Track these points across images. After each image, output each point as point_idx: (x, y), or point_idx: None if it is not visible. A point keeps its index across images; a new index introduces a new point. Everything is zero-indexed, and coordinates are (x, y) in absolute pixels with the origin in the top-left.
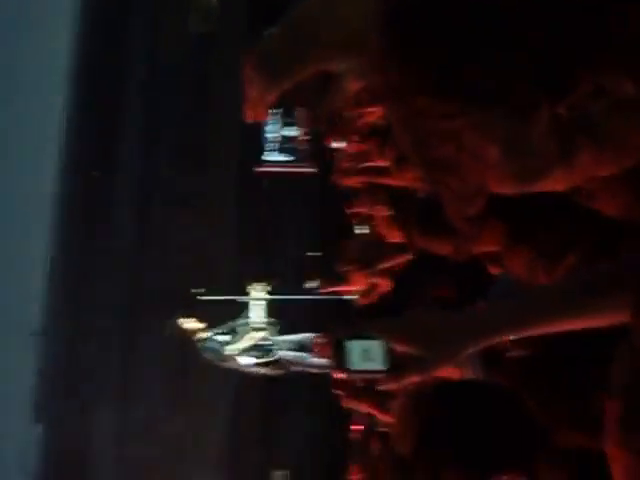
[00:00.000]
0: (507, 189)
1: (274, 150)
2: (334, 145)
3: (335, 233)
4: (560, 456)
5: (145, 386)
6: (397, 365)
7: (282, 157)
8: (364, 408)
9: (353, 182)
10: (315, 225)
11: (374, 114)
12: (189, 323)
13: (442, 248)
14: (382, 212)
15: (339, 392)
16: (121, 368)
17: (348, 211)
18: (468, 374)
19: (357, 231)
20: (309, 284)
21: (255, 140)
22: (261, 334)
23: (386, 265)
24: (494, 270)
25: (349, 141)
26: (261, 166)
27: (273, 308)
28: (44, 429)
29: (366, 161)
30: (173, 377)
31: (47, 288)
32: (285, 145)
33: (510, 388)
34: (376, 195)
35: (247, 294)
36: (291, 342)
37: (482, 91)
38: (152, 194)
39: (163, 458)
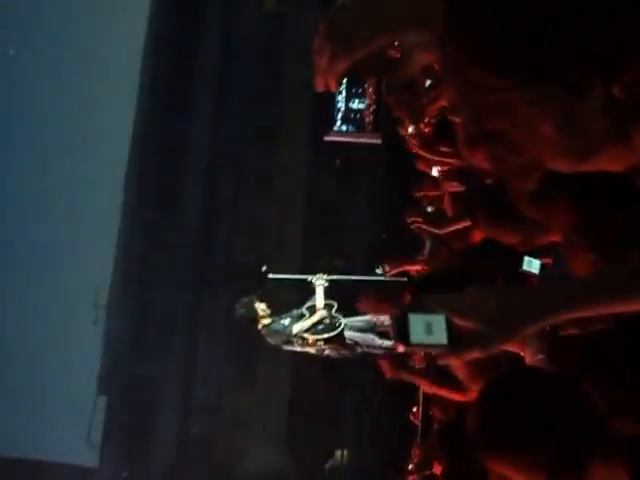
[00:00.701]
0: (561, 165)
1: (343, 120)
2: (408, 129)
3: (403, 214)
4: (619, 447)
5: (209, 362)
6: (458, 340)
7: (350, 127)
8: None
9: (425, 164)
10: (383, 205)
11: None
12: (260, 306)
13: (508, 237)
14: (451, 188)
15: (384, 366)
16: (188, 344)
17: (419, 192)
18: (532, 354)
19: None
20: (380, 269)
21: (327, 113)
22: (324, 312)
23: (452, 229)
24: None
25: (421, 121)
26: (329, 134)
27: (337, 290)
28: (108, 401)
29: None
30: (237, 355)
31: (114, 262)
32: (353, 116)
33: (572, 374)
34: (447, 175)
35: (313, 274)
36: (357, 322)
37: (536, 67)
38: (221, 169)
39: (225, 435)
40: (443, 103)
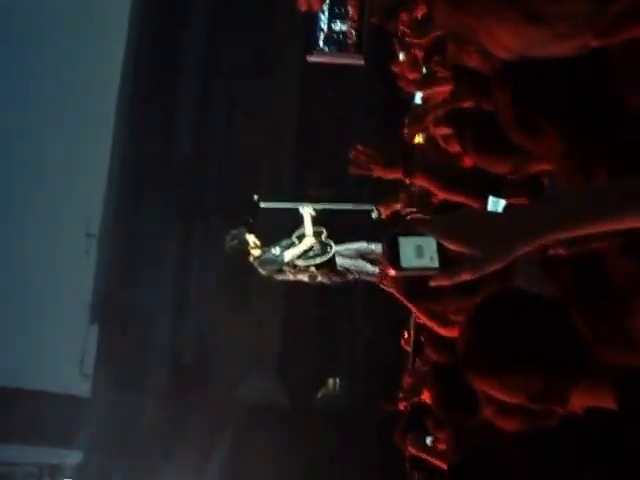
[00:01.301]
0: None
1: (326, 41)
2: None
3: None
4: (604, 374)
5: (201, 291)
6: (450, 263)
7: (333, 48)
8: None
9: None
10: (376, 135)
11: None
12: (250, 238)
13: (498, 166)
14: (442, 131)
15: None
16: (179, 273)
17: (407, 128)
18: (523, 278)
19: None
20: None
21: (311, 36)
22: (314, 239)
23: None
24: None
25: (407, 49)
26: (312, 55)
27: (326, 219)
28: (100, 330)
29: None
30: (229, 284)
31: (105, 191)
32: (336, 37)
33: (560, 299)
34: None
35: (307, 201)
36: (348, 250)
37: None
38: (212, 100)
39: (218, 364)
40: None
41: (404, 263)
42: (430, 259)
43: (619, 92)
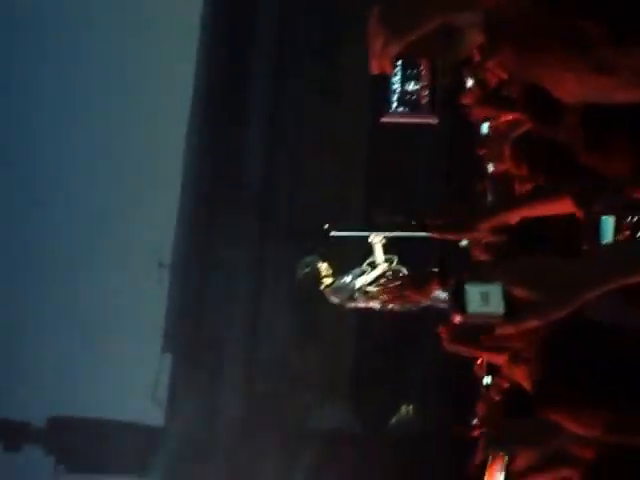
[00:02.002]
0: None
1: (399, 102)
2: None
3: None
4: None
5: (273, 318)
6: (515, 310)
7: (406, 109)
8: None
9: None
10: (444, 169)
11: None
12: (322, 266)
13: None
14: (509, 150)
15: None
16: (251, 303)
17: (480, 151)
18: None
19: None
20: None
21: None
22: (386, 265)
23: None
24: None
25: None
26: (385, 116)
27: (398, 246)
28: (173, 359)
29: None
30: (301, 311)
31: (177, 220)
32: (408, 97)
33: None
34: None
35: (377, 228)
36: None
37: None
38: (283, 130)
39: (290, 391)
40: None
41: (470, 309)
42: (496, 305)
43: None
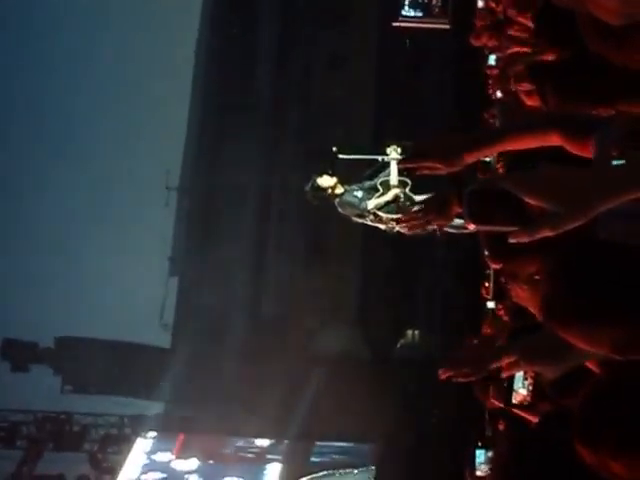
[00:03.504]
0: None
1: (411, 6)
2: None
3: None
4: None
5: (280, 241)
6: (529, 220)
7: (418, 12)
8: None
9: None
10: (454, 90)
11: None
12: (324, 180)
13: (581, 109)
14: (524, 87)
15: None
16: (259, 224)
17: (490, 85)
18: (606, 231)
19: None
20: None
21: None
22: (398, 190)
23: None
24: None
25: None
26: (398, 20)
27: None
28: (180, 282)
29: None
30: (308, 234)
31: (185, 143)
32: (421, 1)
33: None
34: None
35: (386, 154)
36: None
37: None
38: (291, 51)
39: (297, 314)
40: None
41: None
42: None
43: None
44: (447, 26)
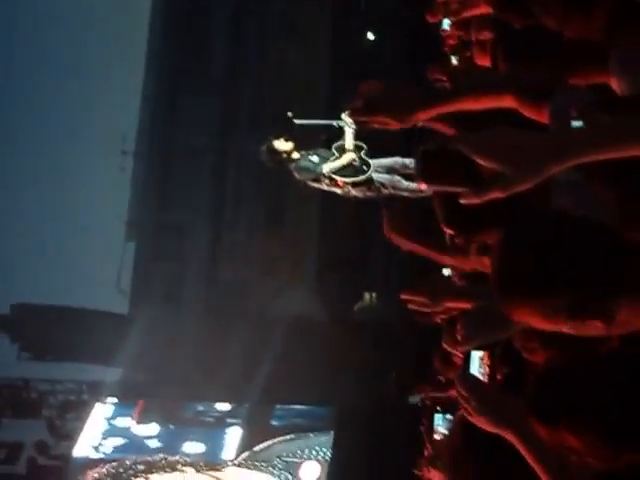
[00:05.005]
0: None
1: None
2: None
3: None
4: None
5: (237, 206)
6: (481, 180)
7: None
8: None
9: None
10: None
11: None
12: (280, 143)
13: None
14: (483, 36)
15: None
16: (215, 190)
17: (444, 37)
18: (554, 197)
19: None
20: None
21: None
22: (353, 155)
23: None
24: None
25: None
26: None
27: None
28: (137, 247)
29: None
30: (265, 199)
31: (140, 108)
32: None
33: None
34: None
35: (340, 119)
36: (382, 165)
37: None
38: (245, 16)
39: (255, 278)
40: None
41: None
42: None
43: None
44: None
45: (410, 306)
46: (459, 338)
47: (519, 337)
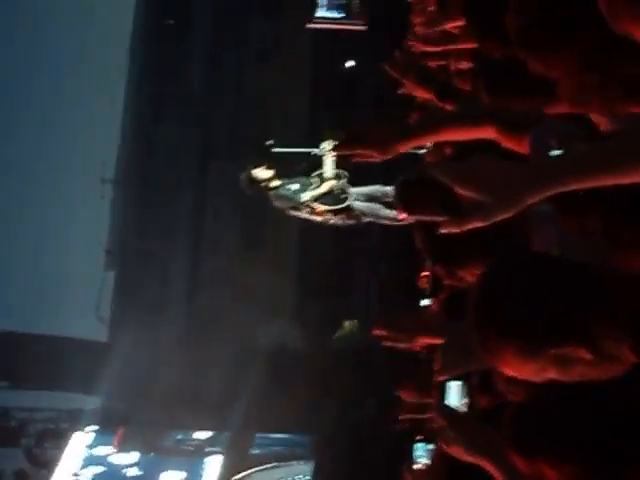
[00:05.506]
0: None
1: (325, 6)
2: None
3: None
4: (619, 311)
5: (216, 235)
6: (460, 210)
7: (333, 14)
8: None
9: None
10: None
11: None
12: (260, 172)
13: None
14: (462, 65)
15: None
16: (194, 217)
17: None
18: (539, 240)
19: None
20: None
21: None
22: (333, 182)
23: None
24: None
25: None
26: (312, 21)
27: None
28: (116, 275)
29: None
30: (243, 228)
31: (121, 136)
32: (336, 2)
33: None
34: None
35: (319, 147)
36: (362, 193)
37: None
38: (225, 43)
39: (234, 307)
40: None
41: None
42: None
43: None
44: (364, 27)
45: (384, 342)
46: (437, 368)
47: (501, 380)
